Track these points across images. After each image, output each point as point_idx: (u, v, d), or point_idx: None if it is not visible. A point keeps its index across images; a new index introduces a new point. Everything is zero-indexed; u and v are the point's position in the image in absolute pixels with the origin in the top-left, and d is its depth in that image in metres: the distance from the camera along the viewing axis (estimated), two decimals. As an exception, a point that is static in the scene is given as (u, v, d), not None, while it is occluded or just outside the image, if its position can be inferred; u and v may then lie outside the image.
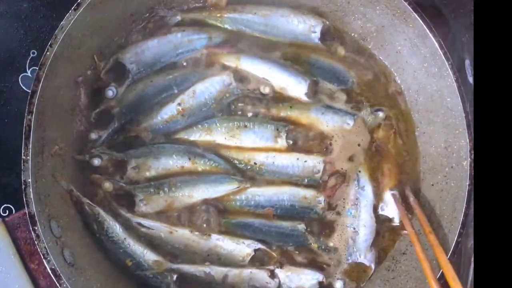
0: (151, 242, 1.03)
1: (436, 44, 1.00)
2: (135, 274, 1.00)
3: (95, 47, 1.01)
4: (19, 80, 1.13)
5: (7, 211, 1.03)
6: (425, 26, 1.00)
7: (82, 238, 0.97)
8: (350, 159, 1.09)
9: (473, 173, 0.98)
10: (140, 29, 1.07)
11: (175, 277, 1.01)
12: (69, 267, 0.87)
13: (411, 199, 1.05)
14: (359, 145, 1.09)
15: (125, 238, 1.00)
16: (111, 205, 1.02)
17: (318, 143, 1.08)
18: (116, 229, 0.99)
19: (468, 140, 0.99)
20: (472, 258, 1.09)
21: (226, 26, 1.10)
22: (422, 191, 1.10)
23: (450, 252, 0.96)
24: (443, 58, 1.00)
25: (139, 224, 1.02)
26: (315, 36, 1.11)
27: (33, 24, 1.15)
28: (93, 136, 1.02)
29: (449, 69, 1.00)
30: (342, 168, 1.08)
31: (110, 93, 1.03)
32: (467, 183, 0.98)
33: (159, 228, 1.02)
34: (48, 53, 0.86)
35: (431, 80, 1.06)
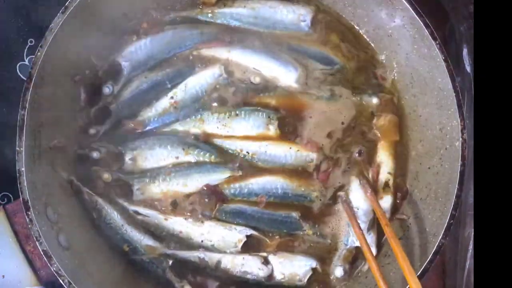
0: (147, 229, 1.07)
1: (422, 24, 0.99)
2: (132, 259, 1.05)
3: (91, 47, 1.07)
4: (17, 68, 1.17)
5: (5, 198, 1.10)
6: (409, 6, 0.99)
7: (82, 225, 1.03)
8: (329, 135, 1.10)
9: (465, 154, 0.96)
10: (135, 29, 1.12)
11: (170, 262, 1.05)
12: (64, 250, 0.93)
13: (368, 192, 1.04)
14: (342, 123, 1.11)
15: (122, 225, 1.05)
16: (110, 194, 1.08)
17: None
18: (114, 216, 1.05)
19: (459, 120, 0.97)
20: (470, 246, 1.06)
21: (218, 21, 1.14)
22: (419, 175, 1.08)
23: (442, 234, 0.94)
24: (430, 38, 0.99)
25: (136, 212, 1.07)
26: (305, 24, 1.13)
27: (31, 12, 1.17)
28: (92, 131, 1.08)
29: (437, 49, 0.99)
30: (322, 144, 1.09)
31: (107, 90, 1.09)
32: (459, 164, 0.96)
33: (155, 216, 1.07)
34: (39, 53, 0.93)
35: (422, 62, 1.04)
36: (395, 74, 1.13)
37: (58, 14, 0.95)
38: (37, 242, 0.89)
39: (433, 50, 0.99)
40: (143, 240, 1.06)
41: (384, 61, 1.14)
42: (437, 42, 0.99)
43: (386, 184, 1.09)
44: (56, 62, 0.98)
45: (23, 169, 0.90)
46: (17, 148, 0.91)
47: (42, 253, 0.88)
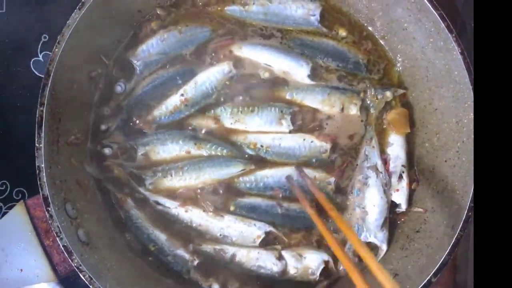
0: (167, 220, 1.08)
1: (438, 17, 0.99)
2: (158, 258, 1.07)
3: (108, 44, 1.08)
4: (31, 64, 1.17)
5: (20, 194, 1.10)
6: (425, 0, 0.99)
7: (100, 220, 1.04)
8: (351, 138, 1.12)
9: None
10: (148, 26, 1.13)
11: (196, 262, 1.06)
12: (83, 245, 0.94)
13: (308, 181, 1.03)
14: (362, 120, 1.12)
15: (150, 225, 1.06)
16: (130, 183, 1.09)
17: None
18: (141, 216, 1.07)
19: (476, 113, 0.97)
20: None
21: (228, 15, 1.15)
22: (435, 168, 1.08)
23: (460, 227, 0.94)
24: (447, 31, 0.99)
25: (156, 202, 1.08)
26: (315, 19, 1.14)
27: (45, 9, 1.18)
28: (103, 127, 1.09)
29: (453, 42, 0.99)
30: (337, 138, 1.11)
31: (119, 88, 1.10)
32: (477, 157, 0.96)
33: (174, 207, 1.07)
34: (56, 49, 0.93)
35: (438, 55, 1.04)
36: (410, 68, 1.13)
37: (75, 10, 0.95)
38: (57, 238, 0.89)
39: (449, 43, 0.99)
40: (169, 241, 1.06)
41: (398, 54, 1.14)
42: (453, 35, 0.99)
43: (400, 176, 1.10)
44: (73, 58, 0.98)
45: (43, 165, 0.90)
46: (36, 145, 0.91)
47: (62, 248, 0.89)
